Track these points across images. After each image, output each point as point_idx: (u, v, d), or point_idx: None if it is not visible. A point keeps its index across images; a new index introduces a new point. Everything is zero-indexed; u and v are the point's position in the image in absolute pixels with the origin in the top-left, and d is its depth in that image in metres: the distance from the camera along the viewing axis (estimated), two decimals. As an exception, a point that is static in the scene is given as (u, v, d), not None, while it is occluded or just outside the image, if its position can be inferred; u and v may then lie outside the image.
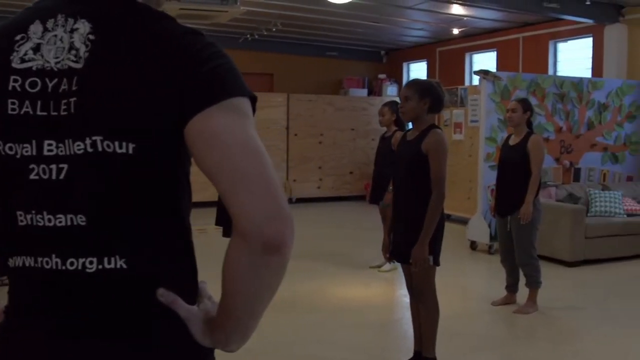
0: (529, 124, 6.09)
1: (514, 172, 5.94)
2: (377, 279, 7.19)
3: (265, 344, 5.14)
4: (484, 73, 8.57)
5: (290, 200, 13.45)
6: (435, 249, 4.19)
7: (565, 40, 11.64)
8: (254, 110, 1.26)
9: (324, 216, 12.12)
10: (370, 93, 15.23)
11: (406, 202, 4.25)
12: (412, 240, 4.09)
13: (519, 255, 5.95)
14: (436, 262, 4.24)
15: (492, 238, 8.57)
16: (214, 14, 8.46)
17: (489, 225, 8.53)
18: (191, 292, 1.34)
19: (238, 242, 1.17)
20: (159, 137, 1.22)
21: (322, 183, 13.85)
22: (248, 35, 13.50)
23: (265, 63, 14.83)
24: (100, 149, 1.21)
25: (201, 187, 10.44)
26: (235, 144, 1.17)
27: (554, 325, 5.74)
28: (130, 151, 1.21)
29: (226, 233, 6.44)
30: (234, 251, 1.19)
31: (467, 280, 7.57)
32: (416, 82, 4.43)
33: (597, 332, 5.49)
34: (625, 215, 8.53)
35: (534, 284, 5.99)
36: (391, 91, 15.15)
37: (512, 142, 6.08)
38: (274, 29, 12.49)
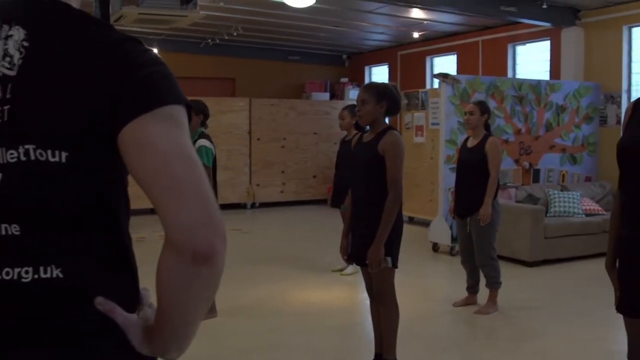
0: (487, 126, 6.15)
1: (473, 174, 6.00)
2: (339, 282, 7.20)
3: (224, 350, 5.12)
4: (443, 76, 8.65)
5: (253, 205, 13.43)
6: (392, 251, 4.20)
7: (524, 44, 11.78)
8: (189, 118, 1.25)
9: (287, 220, 12.10)
10: (332, 97, 15.27)
11: (363, 204, 4.25)
12: (370, 242, 4.10)
13: (479, 256, 6.00)
14: (394, 264, 4.25)
15: (454, 240, 8.63)
16: (174, 18, 8.36)
17: (451, 227, 8.59)
18: (131, 300, 1.33)
19: (169, 251, 1.16)
20: (93, 145, 1.21)
21: (286, 187, 13.83)
22: (209, 40, 13.44)
23: (227, 68, 14.79)
24: (33, 157, 1.19)
25: (143, 194, 10.28)
26: (167, 152, 1.16)
27: (514, 325, 5.80)
28: (64, 160, 1.19)
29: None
30: (165, 261, 1.18)
31: (429, 281, 7.61)
32: (373, 85, 4.43)
33: (556, 330, 5.55)
34: (583, 215, 8.66)
35: (493, 284, 6.05)
36: (353, 95, 15.17)
37: (470, 144, 6.14)
38: (235, 34, 12.44)
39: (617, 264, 2.94)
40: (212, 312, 5.75)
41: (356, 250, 4.32)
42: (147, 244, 9.53)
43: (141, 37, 12.53)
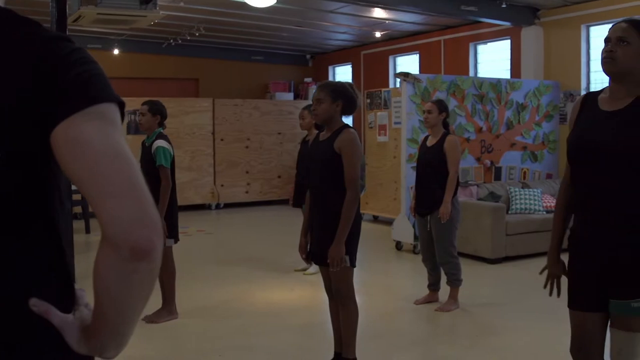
0: (446, 124, 6.19)
1: (432, 173, 6.03)
2: (301, 282, 7.19)
3: (185, 352, 5.08)
4: (404, 75, 8.69)
5: (218, 206, 13.38)
6: (351, 249, 4.19)
7: (485, 43, 11.89)
8: (123, 116, 1.24)
9: (252, 221, 12.07)
10: (296, 97, 15.26)
11: (321, 203, 4.25)
12: (329, 241, 4.10)
13: (439, 253, 6.04)
14: (352, 263, 4.23)
15: (416, 238, 8.67)
16: (133, 18, 8.30)
17: (413, 226, 8.64)
18: (66, 300, 1.31)
19: (106, 248, 1.15)
20: (25, 146, 1.19)
21: (250, 187, 13.80)
22: (171, 40, 13.35)
23: (190, 68, 14.72)
24: None
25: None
26: (101, 151, 1.15)
27: (475, 321, 5.84)
28: None
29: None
30: (102, 258, 1.16)
31: (391, 280, 7.65)
32: (328, 84, 4.41)
33: (517, 326, 5.61)
34: (544, 212, 8.75)
35: (454, 282, 6.10)
36: (317, 94, 15.20)
37: (429, 143, 6.18)
38: (197, 34, 12.38)
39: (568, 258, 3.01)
40: (172, 313, 5.72)
41: (315, 249, 4.32)
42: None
43: (102, 37, 12.46)
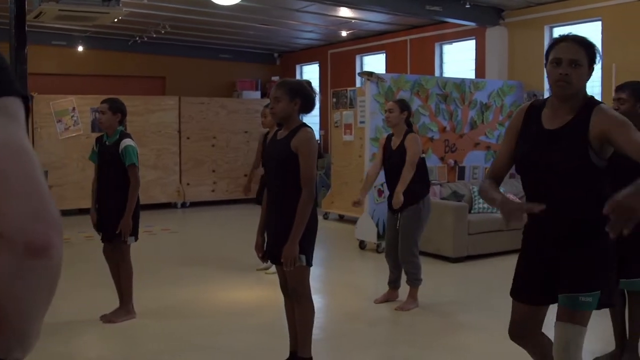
0: (408, 124, 6.20)
1: (399, 173, 6.03)
2: (262, 281, 7.17)
3: (142, 352, 5.05)
4: (367, 75, 8.70)
5: (184, 205, 13.31)
6: (307, 249, 4.18)
7: (451, 43, 11.96)
8: (27, 111, 1.22)
9: (218, 219, 12.03)
10: (263, 95, 15.20)
11: (278, 202, 4.23)
12: (284, 240, 4.09)
13: (402, 251, 6.08)
14: (309, 263, 4.22)
15: (380, 237, 8.72)
16: (95, 15, 8.24)
17: (377, 225, 8.67)
18: None
19: (1, 246, 1.13)
20: None
21: (217, 186, 13.74)
22: (137, 38, 13.26)
23: (156, 66, 14.63)
24: None
25: (69, 194, 9.95)
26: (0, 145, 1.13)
27: (436, 320, 5.88)
28: None
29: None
30: None
31: (354, 279, 7.66)
32: (285, 82, 4.36)
33: (477, 325, 5.65)
34: (506, 211, 8.81)
35: (414, 281, 6.13)
36: (285, 93, 15.19)
37: (393, 144, 6.17)
38: (162, 32, 12.30)
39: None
40: (129, 313, 5.68)
41: (271, 248, 4.30)
42: (72, 245, 9.37)
43: (66, 34, 12.32)
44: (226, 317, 5.89)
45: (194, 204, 13.35)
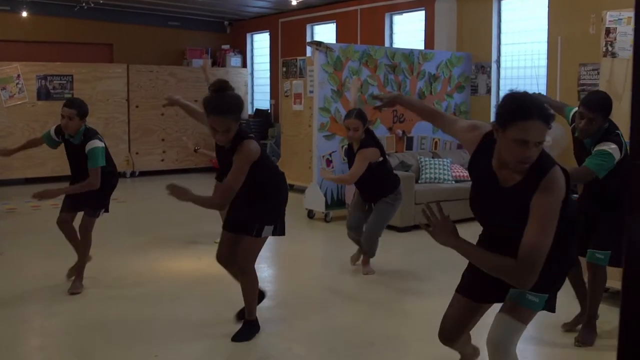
0: (368, 130, 6.13)
1: (368, 176, 6.02)
2: (210, 251, 7.16)
3: (90, 321, 5.04)
4: (316, 44, 8.69)
5: (133, 174, 13.20)
6: (271, 220, 4.53)
7: (401, 13, 12.00)
8: None
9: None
10: (214, 64, 15.09)
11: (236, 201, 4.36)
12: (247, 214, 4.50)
13: (366, 236, 6.27)
14: (264, 234, 4.52)
15: (328, 206, 8.79)
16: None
17: (325, 195, 8.74)
18: None
19: None
20: None
21: (166, 155, 13.65)
22: (83, 3, 12.97)
23: (104, 33, 14.36)
24: None
25: (39, 163, 10.04)
26: None
27: (380, 289, 5.95)
28: None
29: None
30: None
31: (303, 248, 7.71)
32: (224, 108, 4.21)
33: (423, 292, 5.77)
34: (453, 182, 8.97)
35: (370, 255, 6.38)
36: (235, 62, 15.12)
37: (355, 149, 6.14)
38: (110, -3, 12.08)
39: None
40: (77, 288, 5.67)
41: (232, 219, 4.59)
42: (18, 214, 9.24)
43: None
44: (172, 286, 5.90)
45: (143, 173, 13.25)
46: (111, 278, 6.12)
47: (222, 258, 4.70)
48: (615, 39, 5.47)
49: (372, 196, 6.30)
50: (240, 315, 4.79)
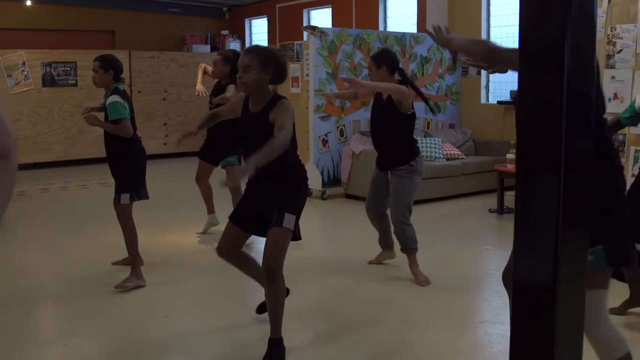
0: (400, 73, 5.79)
1: (384, 135, 5.72)
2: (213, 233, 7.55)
3: (93, 293, 5.41)
4: (310, 29, 9.04)
5: (136, 158, 13.52)
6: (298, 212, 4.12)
7: (394, -3, 12.32)
8: None
9: (169, 172, 12.29)
10: (213, 49, 15.42)
11: (264, 175, 3.89)
12: (279, 205, 4.03)
13: (393, 217, 5.66)
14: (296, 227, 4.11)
15: (325, 184, 9.16)
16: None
17: (322, 173, 9.11)
18: None
19: None
20: None
21: (169, 139, 14.00)
22: (86, -8, 13.31)
23: (106, 20, 14.70)
24: None
25: (45, 148, 10.47)
26: None
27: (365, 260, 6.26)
28: None
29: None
30: None
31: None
32: (257, 49, 4.02)
33: (400, 274, 5.92)
34: (444, 160, 9.34)
35: (407, 250, 5.67)
36: (234, 47, 15.41)
37: (381, 100, 5.77)
38: (111, -15, 12.40)
39: None
40: (140, 278, 5.50)
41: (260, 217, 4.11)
42: (27, 197, 9.61)
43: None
44: (172, 258, 6.27)
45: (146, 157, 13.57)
46: (105, 246, 6.48)
47: (223, 251, 4.25)
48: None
49: (387, 163, 5.66)
50: (262, 309, 4.60)
